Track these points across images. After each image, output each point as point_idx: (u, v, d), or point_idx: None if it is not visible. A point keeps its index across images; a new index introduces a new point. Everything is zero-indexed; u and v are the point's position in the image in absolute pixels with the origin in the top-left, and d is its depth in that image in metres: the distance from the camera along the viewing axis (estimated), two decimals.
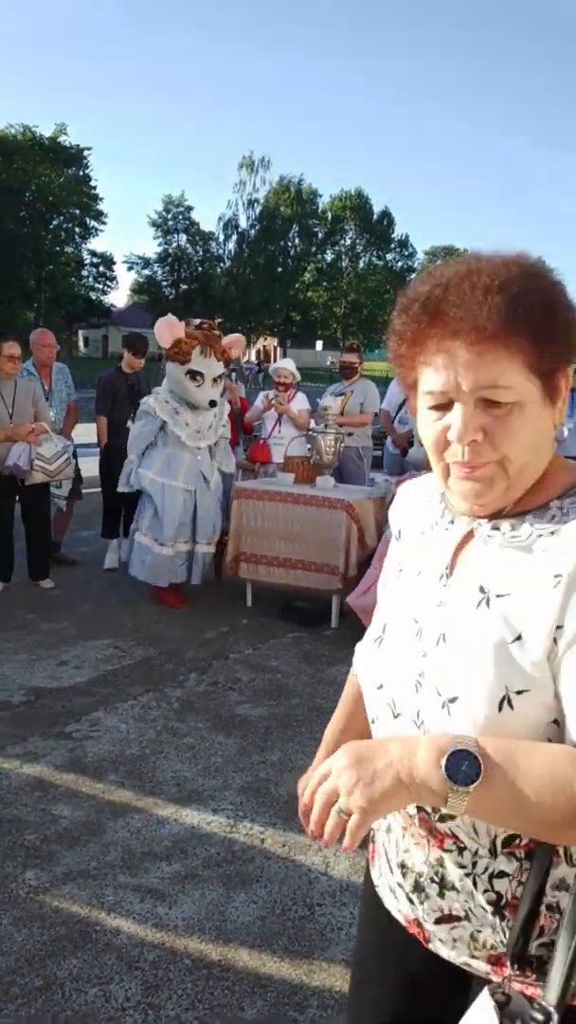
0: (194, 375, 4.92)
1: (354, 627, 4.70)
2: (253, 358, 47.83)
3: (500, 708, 0.82)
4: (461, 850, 0.91)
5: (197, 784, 3.05)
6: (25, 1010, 1.95)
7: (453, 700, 0.86)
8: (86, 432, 6.92)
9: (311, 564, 4.89)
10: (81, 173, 48.08)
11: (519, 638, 0.83)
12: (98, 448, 6.26)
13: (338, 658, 4.44)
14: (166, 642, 4.59)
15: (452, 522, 0.98)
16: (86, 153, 47.90)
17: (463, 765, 0.77)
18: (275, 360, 58.81)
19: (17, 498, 5.39)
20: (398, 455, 6.57)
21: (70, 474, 5.54)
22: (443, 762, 0.78)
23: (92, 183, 48.79)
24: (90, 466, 6.48)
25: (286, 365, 6.46)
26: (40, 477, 5.24)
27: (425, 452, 0.95)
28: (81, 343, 57.97)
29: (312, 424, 6.31)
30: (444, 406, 0.88)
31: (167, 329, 4.88)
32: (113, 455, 5.92)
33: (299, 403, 6.39)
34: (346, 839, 0.82)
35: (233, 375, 6.65)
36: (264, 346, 62.12)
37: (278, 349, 61.44)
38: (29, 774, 3.07)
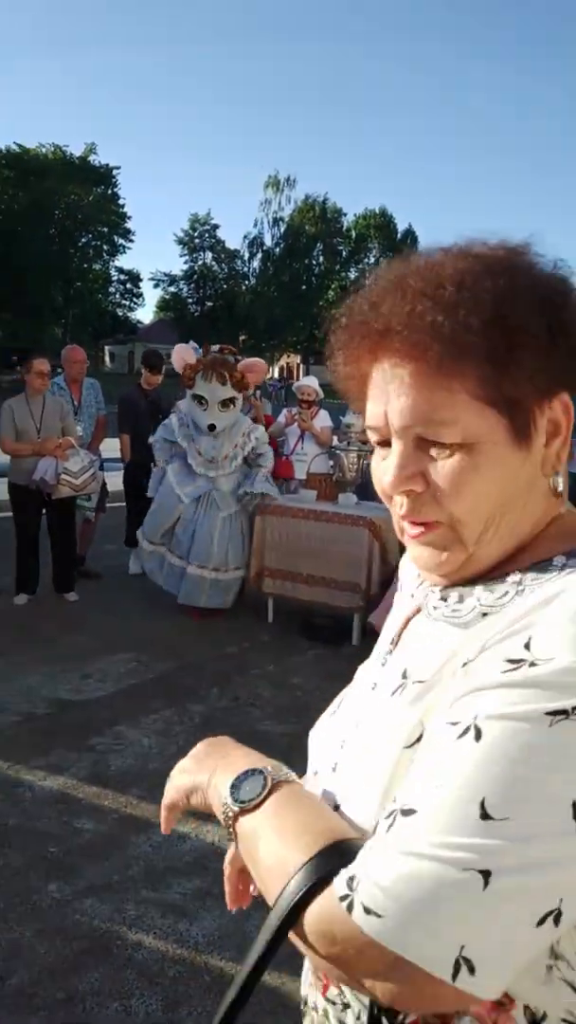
0: (199, 400, 5.01)
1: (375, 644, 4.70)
2: (276, 375, 48.08)
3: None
4: (345, 1006, 0.70)
5: None
6: (47, 1023, 1.96)
7: (340, 805, 0.69)
8: (111, 447, 7.01)
9: (333, 581, 4.90)
10: (110, 192, 48.81)
11: (419, 739, 0.64)
12: (122, 464, 6.46)
13: None
14: (188, 656, 4.60)
15: (419, 585, 0.79)
16: (115, 172, 48.68)
17: (246, 785, 0.68)
18: (298, 377, 59.23)
19: (44, 512, 5.46)
20: None
21: (96, 488, 5.63)
22: (237, 775, 0.70)
23: (120, 201, 49.54)
24: (114, 481, 6.58)
25: (309, 383, 6.51)
26: (66, 492, 5.31)
27: None
28: (107, 359, 58.60)
29: (335, 441, 6.35)
30: (385, 443, 0.70)
31: (178, 356, 5.10)
32: (137, 470, 6.18)
33: (322, 420, 6.43)
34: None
35: (258, 392, 6.72)
36: (288, 363, 62.44)
37: (301, 366, 61.76)
38: (52, 786, 3.09)
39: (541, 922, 0.52)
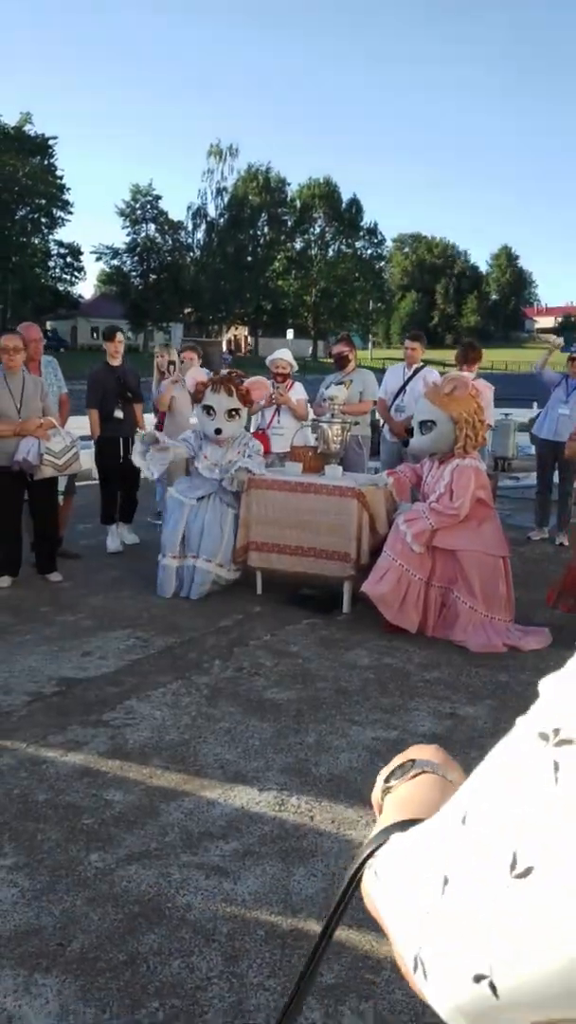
0: (208, 409, 5.38)
1: (366, 612, 4.83)
2: (225, 348, 47.65)
3: None
4: None
5: (240, 766, 3.14)
6: (115, 983, 2.03)
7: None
8: (79, 425, 6.97)
9: (323, 552, 4.98)
10: (47, 163, 47.40)
11: None
12: (91, 441, 6.48)
13: (355, 642, 4.54)
14: (184, 631, 4.65)
15: None
16: (52, 142, 47.25)
17: (399, 771, 0.69)
18: (246, 350, 58.85)
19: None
20: (396, 444, 6.69)
21: (79, 468, 5.61)
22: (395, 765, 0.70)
23: (58, 172, 48.16)
24: (84, 459, 6.54)
25: (283, 355, 6.52)
26: (49, 472, 5.27)
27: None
28: (50, 335, 57.32)
29: (311, 414, 6.41)
30: None
31: (191, 379, 5.64)
32: (105, 445, 6.37)
33: (297, 393, 6.47)
34: None
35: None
36: (235, 335, 61.94)
37: (249, 338, 61.34)
38: (75, 761, 3.13)
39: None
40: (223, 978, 2.06)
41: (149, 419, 7.13)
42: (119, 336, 6.52)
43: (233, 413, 5.37)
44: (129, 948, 2.16)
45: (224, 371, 5.74)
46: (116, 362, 6.46)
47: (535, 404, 7.23)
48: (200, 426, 5.54)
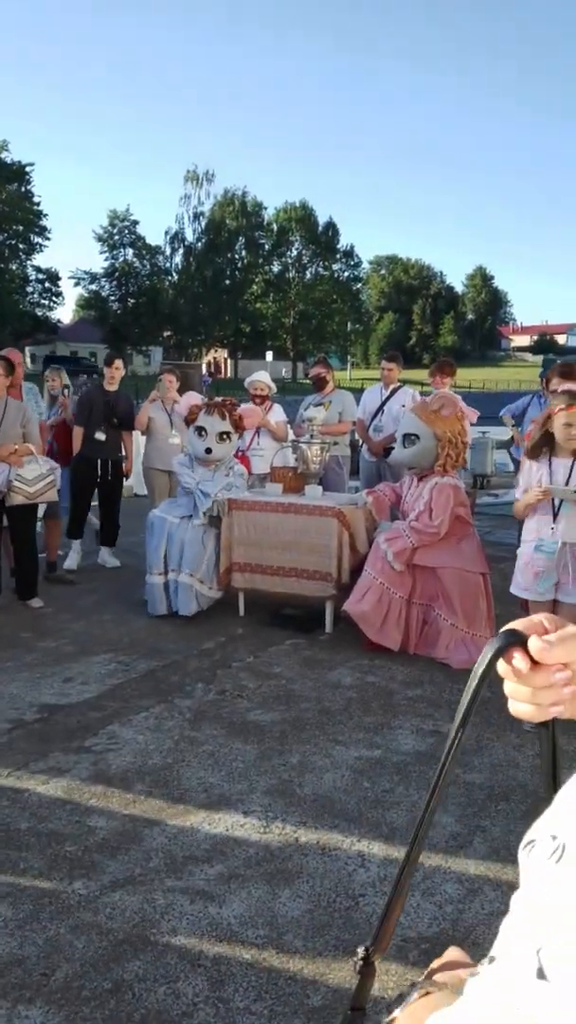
0: (200, 431, 5.43)
1: (348, 631, 4.84)
2: (204, 370, 47.79)
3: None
4: None
5: (223, 789, 3.12)
6: (100, 1012, 2.01)
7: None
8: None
9: (304, 571, 5.00)
10: (24, 189, 47.61)
11: None
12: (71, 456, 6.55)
13: (337, 661, 4.55)
14: (166, 654, 4.64)
15: None
16: (28, 169, 47.49)
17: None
18: (226, 372, 59.04)
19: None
20: (375, 463, 6.75)
21: (52, 497, 5.57)
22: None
23: (35, 199, 48.37)
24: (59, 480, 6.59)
25: (261, 377, 6.58)
26: (19, 499, 5.24)
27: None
28: (28, 360, 57.23)
29: (291, 434, 6.45)
30: None
31: (185, 402, 5.74)
32: (80, 462, 6.46)
33: (276, 414, 6.52)
34: None
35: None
36: (215, 358, 62.18)
37: (228, 361, 61.60)
38: (57, 789, 3.11)
39: None
40: (209, 1003, 2.05)
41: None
42: (117, 363, 6.59)
43: (224, 436, 5.42)
44: (114, 976, 2.14)
45: (218, 399, 5.85)
46: (112, 387, 6.56)
47: (500, 416, 7.29)
48: (190, 448, 5.59)
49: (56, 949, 2.23)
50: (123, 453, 6.61)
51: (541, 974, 0.46)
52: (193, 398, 5.84)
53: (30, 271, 50.56)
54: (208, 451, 5.37)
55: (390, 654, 4.62)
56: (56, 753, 3.40)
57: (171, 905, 2.43)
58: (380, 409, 6.75)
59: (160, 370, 6.85)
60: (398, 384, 6.84)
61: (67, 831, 2.82)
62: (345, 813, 2.95)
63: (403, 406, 6.63)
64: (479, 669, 0.65)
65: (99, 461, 6.45)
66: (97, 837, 2.79)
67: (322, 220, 61.44)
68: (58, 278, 52.15)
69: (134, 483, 10.90)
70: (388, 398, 6.71)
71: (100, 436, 6.39)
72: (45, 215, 48.77)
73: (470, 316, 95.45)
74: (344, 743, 3.53)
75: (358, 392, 7.84)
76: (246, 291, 58.45)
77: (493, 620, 4.72)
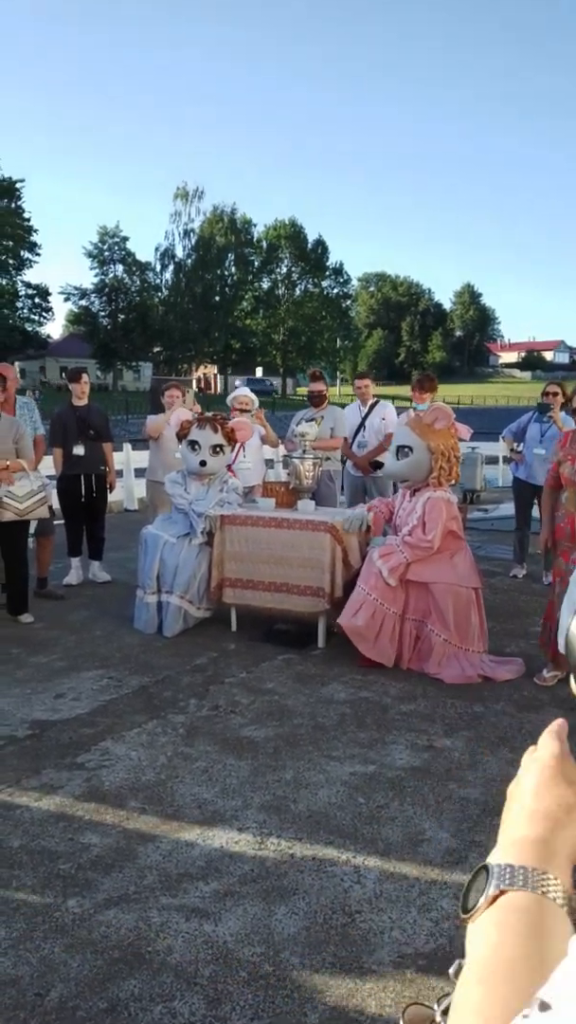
0: (192, 445, 5.45)
1: (341, 647, 4.84)
2: (194, 386, 47.88)
3: None
4: None
5: (218, 805, 3.11)
6: None
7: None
8: (46, 465, 7.00)
9: (296, 587, 5.00)
10: (14, 205, 47.76)
11: None
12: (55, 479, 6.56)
13: (331, 677, 4.54)
14: (158, 670, 4.62)
15: None
16: (19, 185, 47.66)
17: (476, 886, 0.61)
18: (215, 388, 59.14)
19: None
20: (359, 477, 6.82)
21: (43, 513, 5.55)
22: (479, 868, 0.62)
23: (26, 215, 48.52)
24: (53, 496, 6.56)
25: (244, 392, 6.65)
26: (9, 516, 5.22)
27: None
28: (18, 375, 57.21)
29: (282, 450, 6.48)
30: None
31: (175, 418, 5.76)
32: (62, 482, 6.48)
33: (258, 430, 6.58)
34: None
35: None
36: (204, 374, 62.30)
37: (218, 377, 61.73)
38: (50, 805, 3.08)
39: None
40: (206, 1022, 2.03)
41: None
42: (84, 377, 6.56)
43: (217, 449, 5.45)
44: (109, 995, 2.12)
45: (209, 414, 5.87)
46: (81, 402, 6.51)
47: (501, 439, 7.35)
48: (184, 462, 5.61)
49: (50, 968, 2.20)
50: (105, 467, 6.58)
51: None
52: (183, 414, 5.90)
53: (20, 286, 50.65)
54: (203, 464, 5.39)
55: (383, 669, 4.62)
56: (49, 769, 3.37)
57: (166, 923, 2.41)
58: (362, 425, 6.83)
59: (165, 386, 6.83)
60: (374, 400, 6.93)
61: (60, 848, 2.79)
62: (340, 829, 2.94)
63: (383, 419, 6.72)
64: None
65: (82, 476, 6.44)
66: (91, 854, 2.76)
67: (311, 237, 61.94)
68: (48, 293, 52.29)
69: (124, 497, 10.91)
70: (368, 414, 6.83)
71: (79, 451, 6.38)
72: (35, 231, 48.93)
73: (458, 333, 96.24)
74: (338, 759, 3.52)
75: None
76: (236, 307, 58.70)
77: (486, 634, 4.73)
